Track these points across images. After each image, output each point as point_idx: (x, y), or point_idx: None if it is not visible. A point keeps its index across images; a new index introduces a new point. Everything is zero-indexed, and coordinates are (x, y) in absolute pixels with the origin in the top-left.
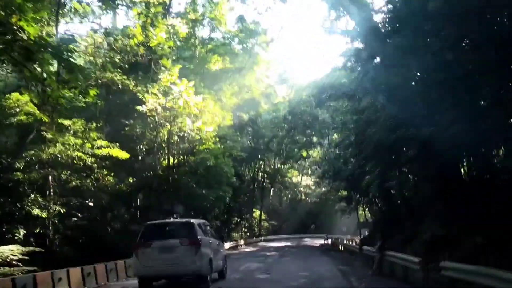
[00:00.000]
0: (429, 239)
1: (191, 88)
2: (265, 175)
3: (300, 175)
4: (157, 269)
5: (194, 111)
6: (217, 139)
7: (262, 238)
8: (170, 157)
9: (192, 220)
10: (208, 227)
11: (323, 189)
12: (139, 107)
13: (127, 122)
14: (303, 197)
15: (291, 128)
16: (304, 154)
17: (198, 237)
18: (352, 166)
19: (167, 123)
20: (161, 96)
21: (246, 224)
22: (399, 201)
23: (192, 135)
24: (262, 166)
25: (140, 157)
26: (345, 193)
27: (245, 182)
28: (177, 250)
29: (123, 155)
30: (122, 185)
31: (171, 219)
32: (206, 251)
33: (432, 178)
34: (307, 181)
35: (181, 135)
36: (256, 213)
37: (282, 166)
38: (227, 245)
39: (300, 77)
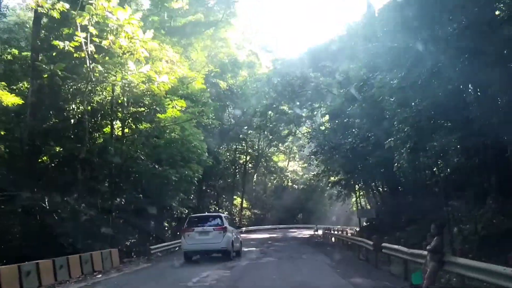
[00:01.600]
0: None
1: (137, 20)
2: (248, 158)
3: (287, 159)
4: (197, 246)
5: (142, 54)
6: (182, 101)
7: (243, 229)
8: (118, 122)
9: (220, 214)
10: (229, 219)
11: (313, 173)
12: (58, 42)
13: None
14: (289, 183)
15: (277, 94)
16: (289, 130)
17: (225, 225)
18: (353, 137)
19: (100, 67)
20: (93, 29)
21: (225, 212)
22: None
23: (134, 83)
24: (245, 147)
25: (73, 121)
26: (339, 176)
27: (221, 163)
28: (210, 234)
29: (10, 99)
30: (45, 156)
31: (206, 213)
32: (229, 235)
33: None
34: (294, 166)
35: (122, 84)
36: (237, 200)
37: (267, 148)
38: None
39: (287, 48)
